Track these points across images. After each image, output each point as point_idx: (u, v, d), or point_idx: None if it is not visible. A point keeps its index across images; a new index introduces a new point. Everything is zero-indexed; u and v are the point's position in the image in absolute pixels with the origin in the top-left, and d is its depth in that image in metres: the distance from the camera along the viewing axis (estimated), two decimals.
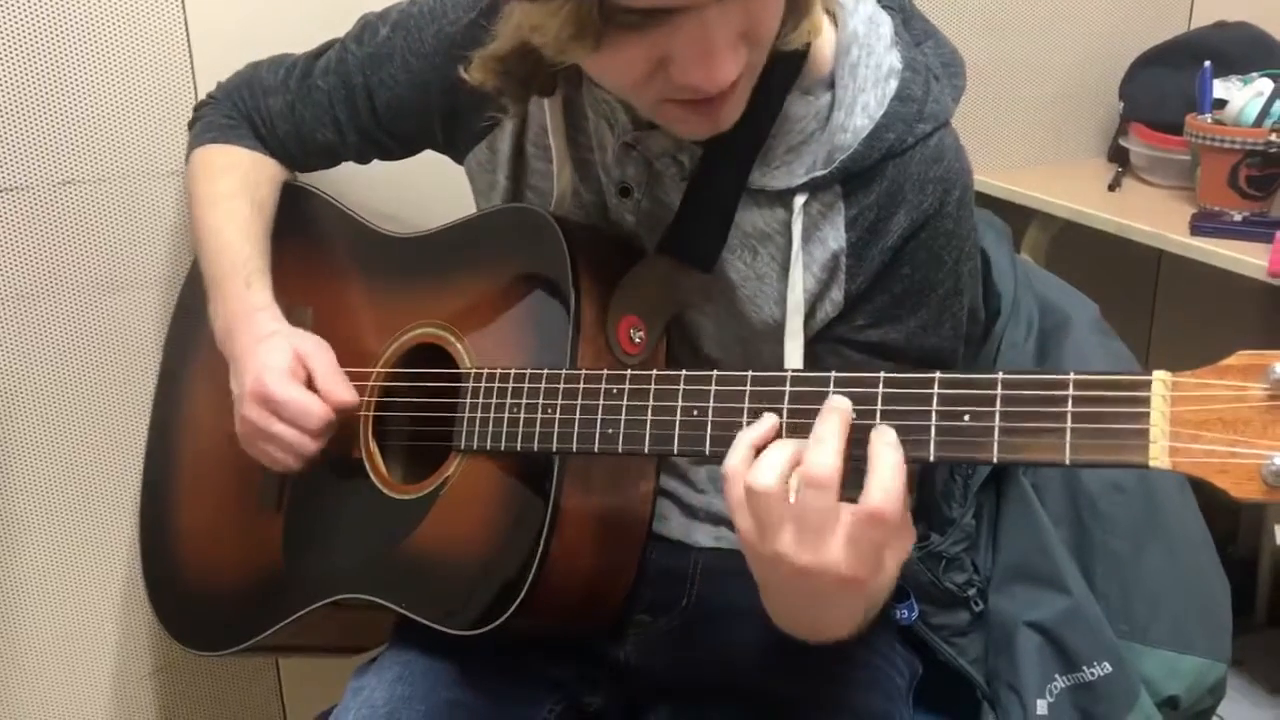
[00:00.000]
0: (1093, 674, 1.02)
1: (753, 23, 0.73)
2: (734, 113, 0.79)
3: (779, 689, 0.95)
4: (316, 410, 0.94)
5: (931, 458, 0.64)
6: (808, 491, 0.65)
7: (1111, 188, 1.64)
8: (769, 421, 0.70)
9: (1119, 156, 1.71)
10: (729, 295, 0.90)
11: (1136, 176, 1.67)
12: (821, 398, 0.68)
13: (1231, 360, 0.57)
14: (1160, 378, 0.58)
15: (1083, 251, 1.60)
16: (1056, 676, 1.03)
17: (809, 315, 0.88)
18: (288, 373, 0.95)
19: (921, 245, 0.86)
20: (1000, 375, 0.63)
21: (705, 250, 0.88)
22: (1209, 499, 1.09)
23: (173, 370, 1.22)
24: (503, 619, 0.84)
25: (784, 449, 0.67)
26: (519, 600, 0.84)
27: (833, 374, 0.68)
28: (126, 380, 1.30)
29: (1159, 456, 0.57)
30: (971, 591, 1.08)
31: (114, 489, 1.31)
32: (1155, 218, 1.50)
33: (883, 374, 0.67)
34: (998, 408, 0.62)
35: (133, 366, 1.29)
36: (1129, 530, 1.04)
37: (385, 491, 0.98)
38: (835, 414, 0.66)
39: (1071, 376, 0.60)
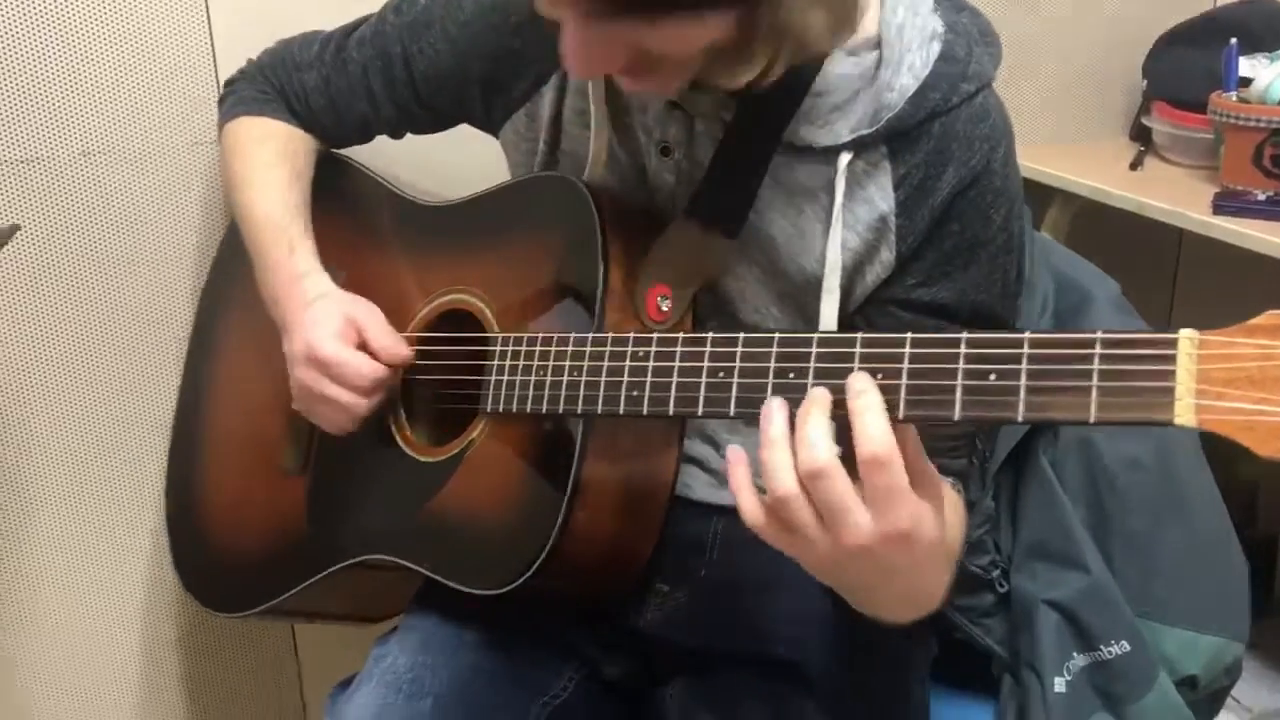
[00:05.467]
0: (1111, 652, 1.02)
1: (640, 48, 0.75)
2: (663, 91, 0.85)
3: (798, 659, 0.95)
4: (367, 370, 0.95)
5: (956, 416, 0.64)
6: (816, 485, 0.65)
7: (1133, 166, 1.63)
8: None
9: (1142, 136, 1.70)
10: (771, 253, 0.90)
11: (1159, 156, 1.66)
12: (848, 359, 0.68)
13: (1260, 320, 0.57)
14: (1187, 335, 0.58)
15: (1104, 231, 1.59)
16: (1075, 655, 1.03)
17: (858, 276, 0.88)
18: (338, 334, 0.96)
19: (970, 202, 0.86)
20: (1027, 334, 0.63)
21: (731, 211, 0.88)
22: (1227, 482, 1.09)
23: (203, 337, 1.23)
24: (525, 577, 0.85)
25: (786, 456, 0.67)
26: (541, 559, 0.84)
27: (859, 334, 0.68)
28: (152, 353, 1.30)
29: (1184, 414, 0.57)
30: (995, 573, 1.08)
31: (139, 462, 1.32)
32: (1177, 197, 1.49)
33: (910, 334, 0.67)
34: (1024, 366, 0.62)
35: (158, 339, 1.30)
36: (1148, 508, 1.04)
37: (411, 454, 0.98)
38: (815, 406, 0.66)
39: (1099, 335, 0.60)
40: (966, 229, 0.87)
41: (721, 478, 1.00)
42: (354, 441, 1.01)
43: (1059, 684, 1.03)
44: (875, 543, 0.65)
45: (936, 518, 0.67)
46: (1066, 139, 1.75)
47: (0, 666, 1.32)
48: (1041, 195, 1.61)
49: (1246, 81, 1.48)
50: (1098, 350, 0.60)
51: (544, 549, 0.85)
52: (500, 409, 0.90)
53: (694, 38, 0.74)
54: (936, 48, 0.85)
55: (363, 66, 1.06)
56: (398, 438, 1.00)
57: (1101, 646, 1.01)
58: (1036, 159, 1.63)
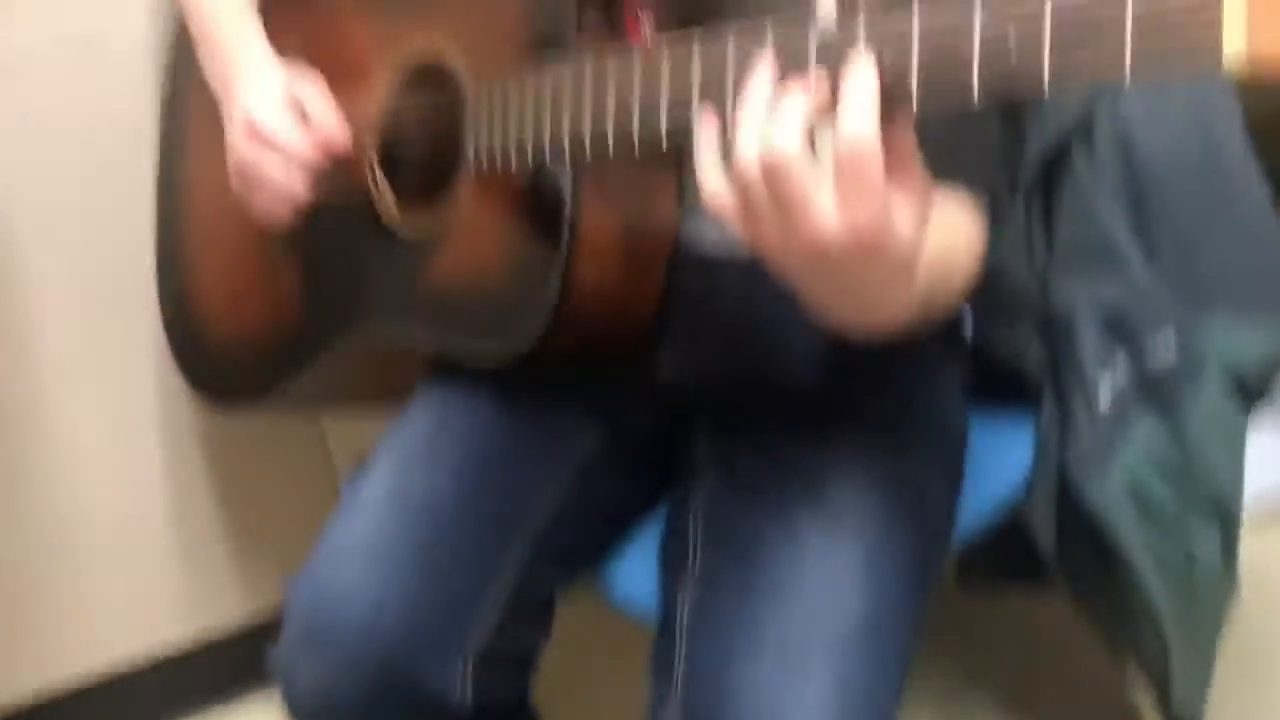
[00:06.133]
0: (1155, 347, 0.98)
1: None
2: None
3: (826, 390, 0.92)
4: (308, 149, 0.90)
5: (976, 97, 0.57)
6: (774, 175, 0.58)
7: None
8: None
9: None
10: None
11: None
12: (851, 40, 0.60)
13: None
14: None
15: None
16: (1119, 354, 0.99)
17: None
18: (280, 104, 0.91)
19: None
20: None
21: None
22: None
23: (171, 131, 1.18)
24: (533, 342, 0.81)
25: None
26: (547, 320, 0.80)
27: (860, 14, 0.61)
28: (122, 155, 1.25)
29: (1234, 46, 0.50)
30: (1030, 294, 1.03)
31: (128, 268, 1.29)
32: None
33: (916, 4, 0.59)
34: (1047, 23, 0.55)
35: (126, 137, 1.24)
36: (1190, 198, 0.98)
37: (397, 224, 0.93)
38: (800, 88, 0.59)
39: None
40: None
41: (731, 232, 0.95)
42: (340, 216, 0.96)
43: (1104, 395, 0.99)
44: (833, 242, 0.58)
45: (911, 230, 0.59)
46: None
47: (23, 491, 1.32)
48: None
49: None
50: None
51: (547, 310, 0.80)
52: (484, 161, 0.83)
53: None
54: None
55: None
56: (383, 209, 0.95)
57: (1146, 339, 0.96)
58: None
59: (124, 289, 1.29)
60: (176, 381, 1.17)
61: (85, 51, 1.22)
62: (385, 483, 0.89)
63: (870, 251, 0.59)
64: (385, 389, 1.10)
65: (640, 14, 0.81)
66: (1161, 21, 0.51)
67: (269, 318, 1.06)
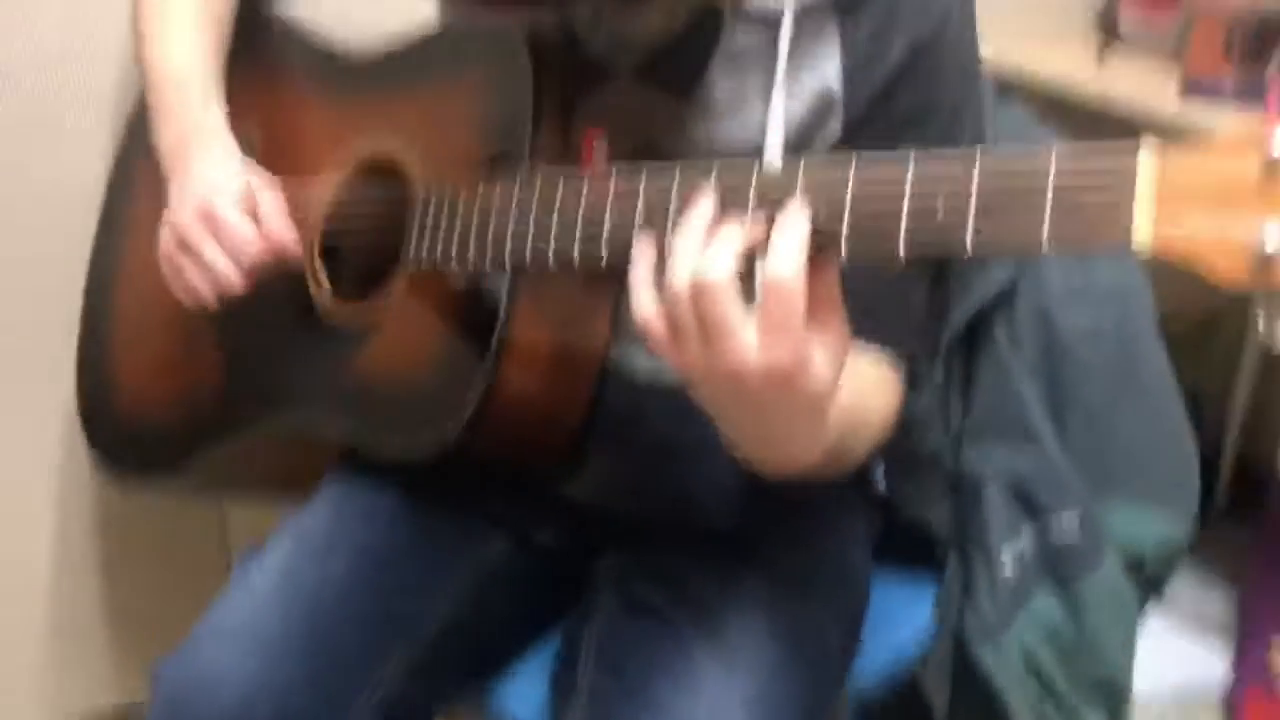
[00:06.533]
0: (1059, 524, 1.00)
1: None
2: None
3: (738, 529, 0.92)
4: (256, 247, 0.90)
5: (901, 254, 0.60)
6: (702, 298, 0.60)
7: (1099, 59, 1.59)
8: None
9: (1108, 28, 1.66)
10: (710, 123, 0.85)
11: (1126, 47, 1.62)
12: (789, 188, 0.63)
13: (1224, 136, 0.53)
14: (1148, 150, 0.54)
15: (1068, 126, 1.55)
16: (1023, 527, 1.01)
17: (804, 147, 0.84)
18: (239, 198, 0.91)
19: (921, 69, 0.82)
20: (978, 156, 0.58)
21: (686, 74, 0.84)
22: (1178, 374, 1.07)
23: (114, 204, 1.17)
24: (448, 439, 0.80)
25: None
26: (466, 419, 0.80)
27: (801, 161, 0.64)
28: (60, 229, 1.23)
29: (1142, 237, 0.53)
30: (943, 453, 1.06)
31: (52, 339, 1.26)
32: (1144, 88, 1.46)
33: (854, 157, 0.62)
34: (974, 193, 0.58)
35: (66, 215, 1.22)
36: (1104, 380, 1.02)
37: (329, 314, 0.93)
38: (735, 223, 0.62)
39: (1054, 151, 0.56)
40: (917, 95, 0.82)
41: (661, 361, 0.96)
42: (271, 302, 0.95)
43: (1007, 561, 1.01)
44: (751, 372, 0.60)
45: (828, 370, 0.62)
46: (1031, 34, 1.70)
47: None
48: (1004, 90, 1.56)
49: None
50: (1052, 167, 0.56)
51: (468, 410, 0.80)
52: (423, 261, 0.84)
53: None
54: None
55: None
56: (317, 298, 0.95)
57: (1051, 517, 0.99)
58: (1001, 52, 1.58)
59: (42, 347, 1.26)
60: (79, 450, 1.14)
61: (41, 111, 1.21)
62: (276, 568, 0.87)
63: (785, 384, 0.61)
64: (292, 480, 1.08)
65: (595, 142, 0.84)
66: (1078, 202, 0.55)
67: (187, 393, 1.04)
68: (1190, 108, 1.37)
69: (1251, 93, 1.34)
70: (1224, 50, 1.39)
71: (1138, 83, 1.48)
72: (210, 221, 0.90)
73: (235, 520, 1.42)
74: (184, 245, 0.92)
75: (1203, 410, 1.87)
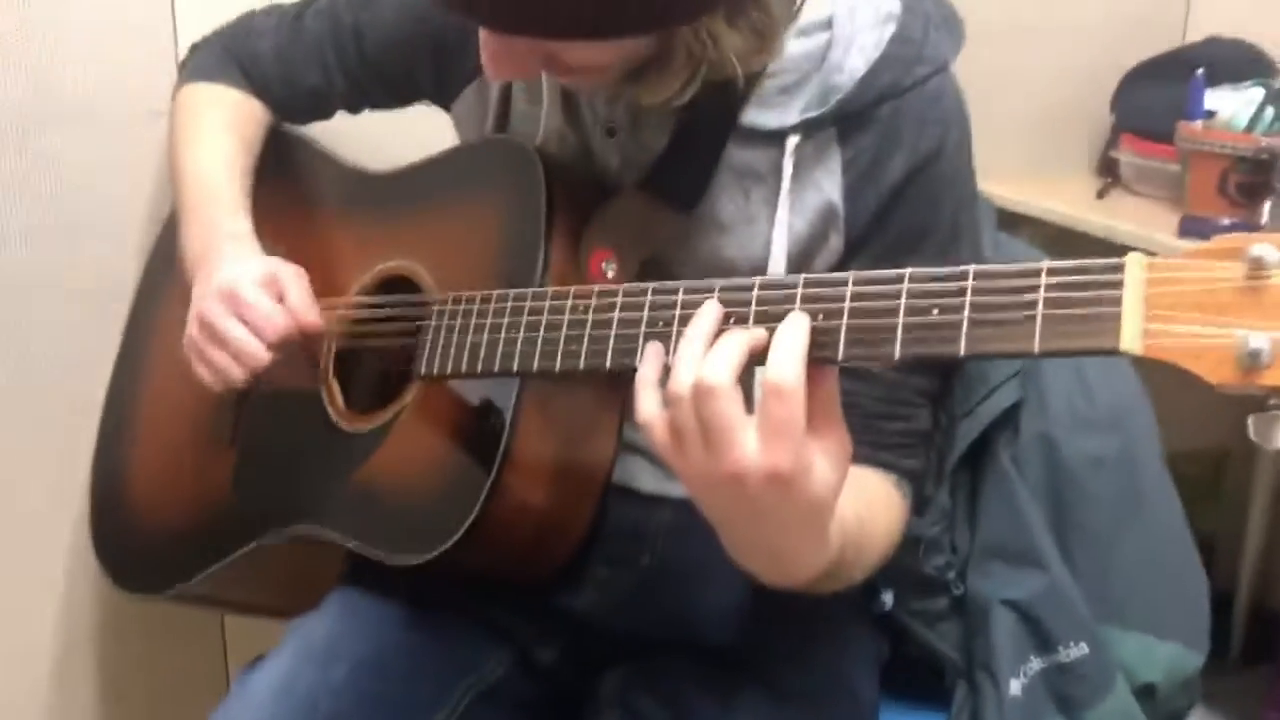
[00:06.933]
0: (1069, 655, 0.99)
1: (553, 57, 0.76)
2: (590, 89, 0.85)
3: (740, 648, 0.91)
4: (281, 321, 0.90)
5: (897, 355, 0.62)
6: (704, 401, 0.62)
7: (1100, 196, 1.63)
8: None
9: (1108, 169, 1.70)
10: (716, 238, 0.87)
11: (1125, 187, 1.66)
12: (789, 300, 0.65)
13: (1209, 244, 0.55)
14: (1135, 259, 0.56)
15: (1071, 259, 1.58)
16: (1032, 657, 1.00)
17: (807, 263, 0.86)
18: (260, 281, 0.92)
19: (919, 189, 0.84)
20: (972, 268, 0.60)
21: (689, 188, 0.86)
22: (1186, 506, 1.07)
23: (140, 314, 1.20)
24: (449, 545, 0.81)
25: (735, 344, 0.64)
26: (467, 527, 0.80)
27: (801, 275, 0.66)
28: (91, 328, 1.25)
29: (1131, 339, 0.55)
30: (951, 575, 1.05)
31: (72, 442, 1.27)
32: (1143, 225, 1.49)
33: (852, 273, 0.64)
34: (968, 299, 0.60)
35: (99, 313, 1.24)
36: (1109, 508, 1.02)
37: (340, 424, 0.94)
38: (742, 332, 0.64)
39: (1045, 264, 0.58)
40: (914, 216, 0.85)
41: (667, 469, 0.97)
42: (284, 413, 0.97)
43: (1015, 687, 0.99)
44: (751, 475, 0.61)
45: (829, 476, 0.63)
46: (1033, 174, 1.75)
47: None
48: (1010, 223, 1.60)
49: (1212, 115, 1.48)
50: (1043, 279, 0.58)
51: (470, 517, 0.81)
52: (435, 371, 0.86)
53: (604, 55, 0.75)
54: (891, 29, 0.84)
55: (317, 36, 1.05)
56: (329, 408, 0.96)
57: (1059, 648, 0.98)
58: (1004, 188, 1.62)
59: (59, 453, 1.27)
60: (85, 558, 1.14)
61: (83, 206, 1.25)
62: (277, 674, 0.86)
63: (786, 488, 0.61)
64: (297, 598, 1.08)
65: (604, 263, 0.86)
66: (1070, 303, 0.57)
67: (198, 505, 1.04)
68: (1188, 242, 1.40)
69: (1248, 230, 1.37)
70: (1219, 189, 1.43)
71: (1137, 219, 1.52)
72: (233, 300, 0.91)
73: (234, 629, 1.41)
74: (207, 326, 0.92)
75: (1216, 553, 1.85)
